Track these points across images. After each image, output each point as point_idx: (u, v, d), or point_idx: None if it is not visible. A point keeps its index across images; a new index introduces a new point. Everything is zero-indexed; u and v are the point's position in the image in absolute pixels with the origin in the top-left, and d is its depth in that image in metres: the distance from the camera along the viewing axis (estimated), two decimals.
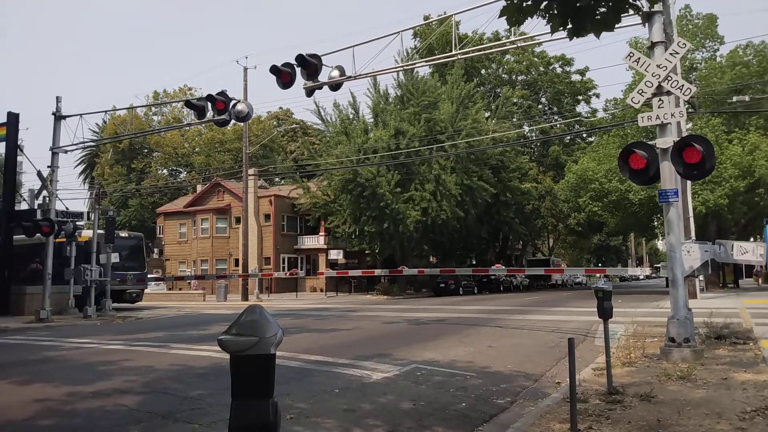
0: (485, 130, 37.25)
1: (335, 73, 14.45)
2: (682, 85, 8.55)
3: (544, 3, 3.78)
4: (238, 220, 41.25)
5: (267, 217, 43.91)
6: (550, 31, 4.11)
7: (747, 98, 26.58)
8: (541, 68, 51.04)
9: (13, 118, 22.08)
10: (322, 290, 41.30)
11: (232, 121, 17.97)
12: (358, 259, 43.80)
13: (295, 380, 7.32)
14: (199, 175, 55.20)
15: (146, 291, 30.27)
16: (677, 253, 8.50)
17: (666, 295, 12.80)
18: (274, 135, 52.72)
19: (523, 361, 8.80)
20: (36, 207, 22.79)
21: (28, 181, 45.29)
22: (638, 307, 16.25)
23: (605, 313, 6.21)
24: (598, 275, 47.70)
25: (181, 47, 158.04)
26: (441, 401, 6.20)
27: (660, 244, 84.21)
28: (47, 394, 6.82)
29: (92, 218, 22.93)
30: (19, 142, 22.98)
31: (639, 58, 8.88)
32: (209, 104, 17.12)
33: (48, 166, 21.00)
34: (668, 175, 8.56)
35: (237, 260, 40.41)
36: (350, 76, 14.50)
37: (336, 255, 42.13)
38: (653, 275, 52.33)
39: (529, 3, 3.82)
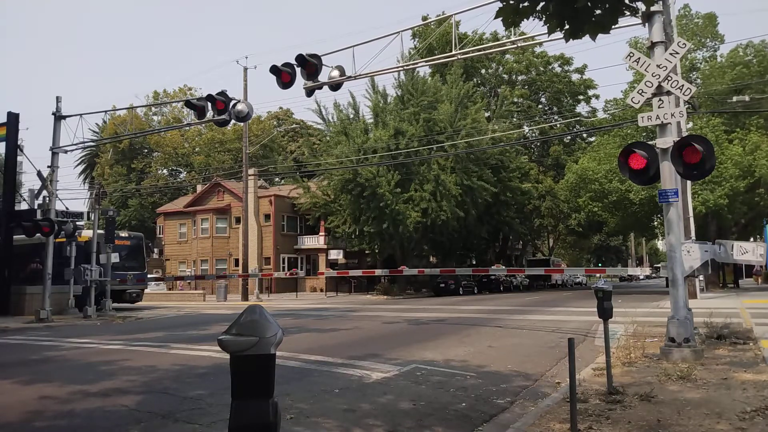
0: (485, 130, 37.24)
1: (335, 73, 14.45)
2: (682, 85, 8.55)
3: (541, 4, 3.77)
4: (238, 220, 41.25)
5: (267, 217, 43.91)
6: (547, 32, 4.10)
7: (747, 98, 26.57)
8: (541, 68, 51.02)
9: (13, 118, 22.08)
10: (322, 290, 41.30)
11: (232, 121, 17.97)
12: (358, 259, 43.80)
13: (295, 380, 7.32)
14: (199, 175, 55.20)
15: (146, 291, 30.27)
16: (677, 253, 8.50)
17: (666, 295, 12.80)
18: (274, 135, 52.75)
19: (523, 361, 8.80)
20: (36, 207, 22.79)
21: (28, 181, 45.37)
22: (638, 307, 16.24)
23: (605, 313, 6.21)
24: (598, 275, 47.74)
25: (181, 47, 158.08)
26: (441, 401, 6.20)
27: (660, 244, 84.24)
28: (47, 394, 6.82)
29: (92, 218, 22.93)
30: (19, 142, 22.99)
31: (639, 58, 8.88)
32: (209, 104, 17.12)
33: (48, 166, 21.01)
34: (668, 175, 8.56)
35: (237, 260, 40.41)
36: (350, 76, 14.50)
37: (336, 255, 42.13)
38: (653, 275, 52.45)
39: (526, 4, 3.81)
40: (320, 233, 43.19)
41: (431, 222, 34.37)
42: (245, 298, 32.54)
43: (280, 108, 64.75)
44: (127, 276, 24.89)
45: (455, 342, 11.12)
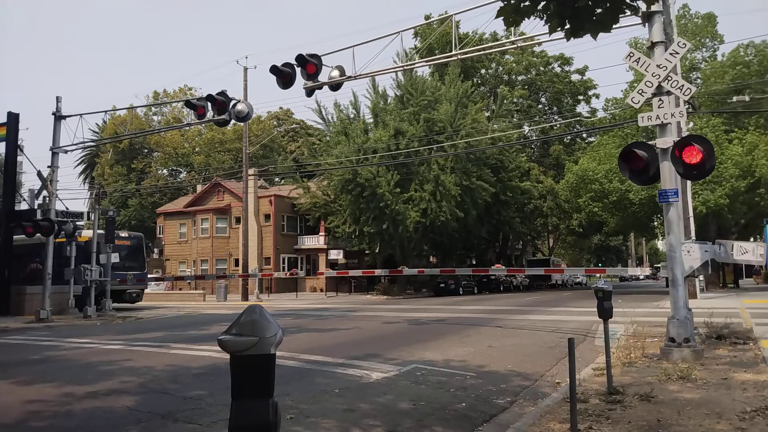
0: (485, 129, 37.23)
1: (335, 73, 14.44)
2: (682, 85, 8.55)
3: (542, 3, 3.77)
4: (238, 220, 41.25)
5: (267, 217, 43.90)
6: (548, 31, 4.10)
7: (747, 98, 26.56)
8: (541, 68, 51.00)
9: (13, 118, 22.07)
10: (322, 290, 41.31)
11: (232, 121, 17.96)
12: (358, 259, 43.81)
13: (295, 380, 7.32)
14: (199, 175, 55.19)
15: (146, 291, 30.24)
16: (677, 253, 8.49)
17: (666, 295, 12.79)
18: (274, 135, 52.69)
19: (523, 361, 8.80)
20: (36, 207, 22.77)
21: (28, 181, 45.30)
22: (638, 307, 16.24)
23: (605, 313, 6.21)
24: (598, 275, 47.77)
25: (181, 47, 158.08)
26: (441, 401, 6.20)
27: (660, 244, 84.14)
28: (47, 394, 6.82)
29: (92, 218, 22.91)
30: (19, 142, 22.96)
31: (639, 58, 8.88)
32: (209, 104, 17.11)
33: (48, 166, 21.00)
34: (668, 175, 8.56)
35: (237, 260, 40.41)
36: (350, 76, 14.49)
37: (336, 255, 42.13)
38: (653, 275, 52.49)
39: (527, 3, 3.81)
40: (320, 233, 43.19)
41: (431, 222, 34.38)
42: (245, 298, 32.53)
43: (280, 108, 64.80)
44: (127, 276, 24.87)
45: (455, 342, 11.12)
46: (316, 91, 15.13)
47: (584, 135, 48.66)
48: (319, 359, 9.03)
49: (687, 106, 14.39)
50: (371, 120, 37.81)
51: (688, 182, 22.33)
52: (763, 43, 34.04)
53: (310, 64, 14.00)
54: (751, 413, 5.10)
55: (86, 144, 34.11)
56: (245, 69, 32.25)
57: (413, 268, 35.35)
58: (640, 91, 8.67)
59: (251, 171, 37.05)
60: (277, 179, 57.32)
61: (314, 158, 41.51)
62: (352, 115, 37.90)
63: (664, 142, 8.52)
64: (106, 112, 34.74)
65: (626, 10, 4.08)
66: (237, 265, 40.53)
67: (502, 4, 3.91)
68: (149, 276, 32.44)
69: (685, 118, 14.97)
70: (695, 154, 8.01)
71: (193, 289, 40.22)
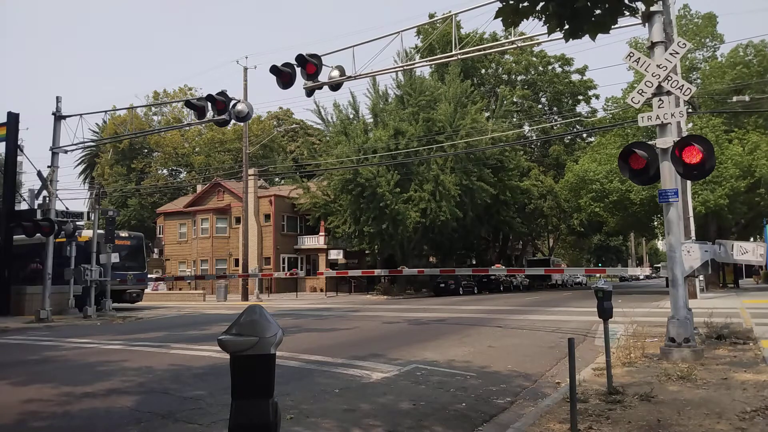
0: (484, 130, 37.23)
1: (335, 73, 14.44)
2: (682, 85, 8.55)
3: (541, 4, 3.77)
4: (238, 220, 41.25)
5: (267, 217, 43.90)
6: (547, 32, 4.10)
7: (747, 98, 26.55)
8: (540, 68, 50.97)
9: (13, 118, 22.08)
10: (322, 290, 41.31)
11: (232, 121, 17.97)
12: (358, 259, 43.81)
13: (295, 380, 7.32)
14: (199, 175, 55.16)
15: (146, 291, 30.23)
16: (677, 253, 8.50)
17: (666, 295, 12.79)
18: (274, 135, 52.64)
19: (523, 361, 8.80)
20: (36, 207, 22.77)
21: (28, 181, 45.34)
22: (638, 307, 16.24)
23: (605, 313, 6.21)
24: (598, 275, 47.79)
25: (181, 47, 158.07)
26: (441, 401, 6.20)
27: (660, 244, 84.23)
28: (47, 394, 6.82)
29: (92, 218, 22.90)
30: (19, 142, 22.96)
31: (639, 58, 8.88)
32: (209, 104, 17.12)
33: (48, 166, 21.00)
34: (668, 175, 8.56)
35: (237, 260, 40.40)
36: (350, 76, 14.50)
37: (336, 255, 42.13)
38: (653, 275, 52.50)
39: (526, 4, 3.80)
40: (320, 233, 43.18)
41: (431, 222, 34.37)
42: (245, 298, 32.53)
43: (280, 108, 64.79)
44: (128, 276, 24.83)
45: (455, 342, 11.12)
46: (316, 91, 15.12)
47: (584, 135, 48.65)
48: (319, 359, 9.03)
49: (687, 106, 14.40)
50: (371, 120, 37.81)
51: (688, 182, 22.33)
52: (763, 43, 34.04)
53: (310, 64, 13.99)
54: (751, 413, 5.10)
55: (86, 144, 34.14)
56: (245, 69, 32.26)
57: (413, 268, 35.38)
58: (640, 91, 8.67)
59: (251, 171, 37.06)
60: (277, 179, 57.31)
61: (314, 158, 41.51)
62: (351, 116, 37.90)
63: (664, 142, 8.52)
64: (106, 112, 34.65)
65: (625, 11, 4.08)
66: (237, 265, 40.53)
67: (501, 5, 3.91)
68: (149, 276, 32.43)
69: (685, 118, 14.98)
70: (695, 154, 8.02)
71: (193, 289, 40.22)
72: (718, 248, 9.10)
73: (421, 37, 45.02)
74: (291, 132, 58.24)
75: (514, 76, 51.67)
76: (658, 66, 8.55)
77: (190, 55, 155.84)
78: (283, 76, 14.07)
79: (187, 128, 57.54)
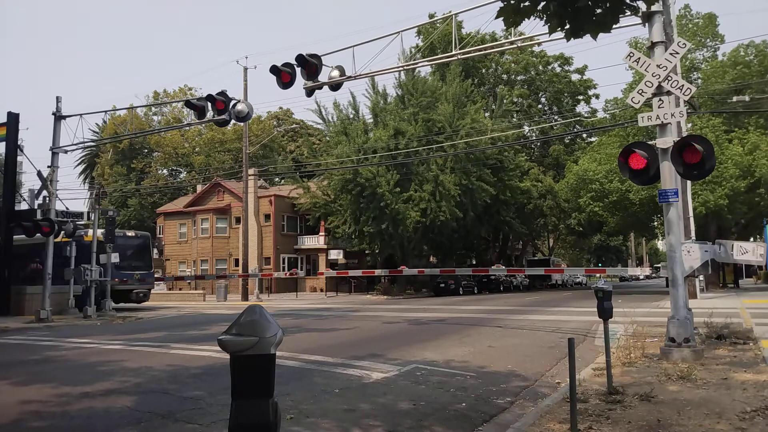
0: (484, 129, 37.23)
1: (335, 73, 14.45)
2: (682, 85, 8.55)
3: (542, 4, 3.77)
4: (238, 220, 41.24)
5: (267, 217, 43.90)
6: (548, 32, 4.10)
7: (747, 98, 26.54)
8: (540, 67, 50.95)
9: (13, 118, 22.07)
10: (322, 290, 41.30)
11: (232, 121, 17.97)
12: (358, 259, 43.80)
13: (295, 380, 7.32)
14: (199, 175, 55.16)
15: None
16: (677, 253, 8.49)
17: (666, 295, 12.79)
18: (274, 135, 52.64)
19: (523, 361, 8.80)
20: (36, 207, 22.77)
21: (28, 181, 45.32)
22: (638, 307, 16.23)
23: (605, 313, 6.21)
24: (598, 275, 47.80)
25: (181, 47, 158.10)
26: (441, 401, 6.20)
27: (660, 244, 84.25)
28: (47, 394, 6.82)
29: (92, 218, 22.89)
30: (19, 142, 22.96)
31: (639, 58, 8.88)
32: (209, 104, 17.11)
33: (48, 166, 21.00)
34: (668, 175, 8.56)
35: (237, 260, 40.40)
36: (350, 76, 14.50)
37: (336, 255, 42.12)
38: (653, 275, 52.53)
39: (527, 4, 3.80)
40: (320, 233, 43.18)
41: (431, 222, 34.37)
42: (245, 298, 32.53)
43: (280, 108, 64.75)
44: (134, 276, 24.70)
45: (455, 342, 11.12)
46: (316, 91, 15.13)
47: (584, 135, 48.64)
48: (319, 359, 9.03)
49: (687, 106, 14.40)
50: (371, 120, 37.80)
51: (688, 182, 22.33)
52: (764, 43, 34.02)
53: (310, 64, 14.00)
54: (751, 413, 5.10)
55: (86, 144, 34.12)
56: (245, 69, 32.25)
57: (413, 268, 35.40)
58: (640, 91, 8.67)
59: (251, 171, 37.06)
60: (277, 179, 57.28)
61: (314, 158, 41.50)
62: (351, 115, 37.90)
63: (664, 142, 8.52)
64: (106, 112, 34.64)
65: (626, 11, 4.08)
66: (237, 265, 40.52)
67: (502, 5, 3.91)
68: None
69: (685, 118, 14.98)
70: (695, 154, 8.02)
71: (193, 289, 40.21)
72: (718, 248, 9.10)
73: (421, 37, 45.03)
74: (291, 132, 58.24)
75: (513, 76, 51.66)
76: (658, 66, 8.55)
77: (190, 55, 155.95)
78: (283, 76, 14.07)
79: (187, 128, 57.52)
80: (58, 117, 21.17)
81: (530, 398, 6.34)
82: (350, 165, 33.20)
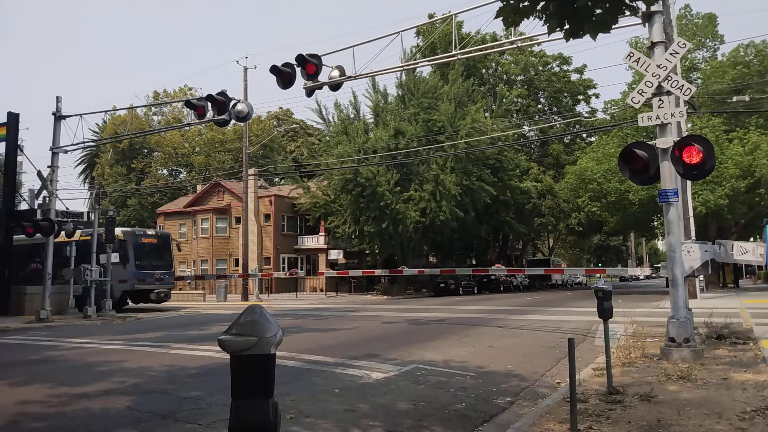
0: (484, 129, 37.23)
1: (335, 73, 14.44)
2: (682, 85, 8.55)
3: (541, 4, 3.77)
4: (238, 220, 41.24)
5: (267, 217, 43.90)
6: (547, 32, 4.10)
7: (747, 98, 26.53)
8: (539, 67, 50.94)
9: (13, 118, 22.08)
10: (322, 290, 41.30)
11: (232, 121, 17.96)
12: (358, 259, 43.81)
13: (295, 380, 7.32)
14: (199, 175, 55.15)
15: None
16: (677, 253, 8.49)
17: (666, 295, 12.79)
18: (274, 135, 52.64)
19: (523, 361, 8.80)
20: (36, 207, 22.76)
21: (28, 181, 45.24)
22: (638, 307, 16.23)
23: (605, 313, 6.21)
24: (598, 275, 47.79)
25: (181, 47, 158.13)
26: (440, 401, 6.19)
27: (660, 244, 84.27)
28: (46, 394, 6.82)
29: (92, 218, 22.90)
30: (19, 142, 22.96)
31: (639, 58, 8.88)
32: (209, 104, 17.10)
33: (48, 166, 21.00)
34: (668, 175, 8.55)
35: (237, 260, 40.39)
36: (350, 76, 14.49)
37: (336, 255, 42.12)
38: (653, 275, 52.52)
39: (526, 4, 3.81)
40: (320, 233, 43.18)
41: (431, 222, 34.36)
42: (245, 298, 32.53)
43: (280, 108, 64.75)
44: (155, 275, 24.61)
45: (455, 342, 11.12)
46: (316, 91, 15.13)
47: (584, 135, 48.64)
48: (318, 359, 9.03)
49: (687, 106, 14.40)
50: (371, 120, 37.80)
51: (688, 182, 22.32)
52: (764, 43, 34.03)
53: (310, 64, 14.00)
54: (751, 413, 5.09)
55: (86, 144, 34.10)
56: (245, 69, 32.25)
57: (413, 268, 35.38)
58: (640, 91, 8.67)
59: (251, 171, 37.06)
60: (277, 179, 57.28)
61: (314, 158, 41.49)
62: (352, 115, 37.90)
63: (664, 142, 8.52)
64: (106, 112, 34.60)
65: (626, 11, 4.08)
66: (237, 265, 40.51)
67: (501, 5, 3.91)
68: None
69: (685, 118, 14.97)
70: (695, 154, 8.01)
71: (193, 289, 40.20)
72: (718, 248, 9.10)
73: (421, 37, 45.02)
74: (291, 132, 58.22)
75: (513, 76, 51.65)
76: (658, 66, 8.55)
77: (190, 55, 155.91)
78: (283, 76, 14.07)
79: (187, 128, 57.48)
80: (58, 117, 21.17)
81: (530, 398, 6.34)
82: (350, 165, 33.19)
